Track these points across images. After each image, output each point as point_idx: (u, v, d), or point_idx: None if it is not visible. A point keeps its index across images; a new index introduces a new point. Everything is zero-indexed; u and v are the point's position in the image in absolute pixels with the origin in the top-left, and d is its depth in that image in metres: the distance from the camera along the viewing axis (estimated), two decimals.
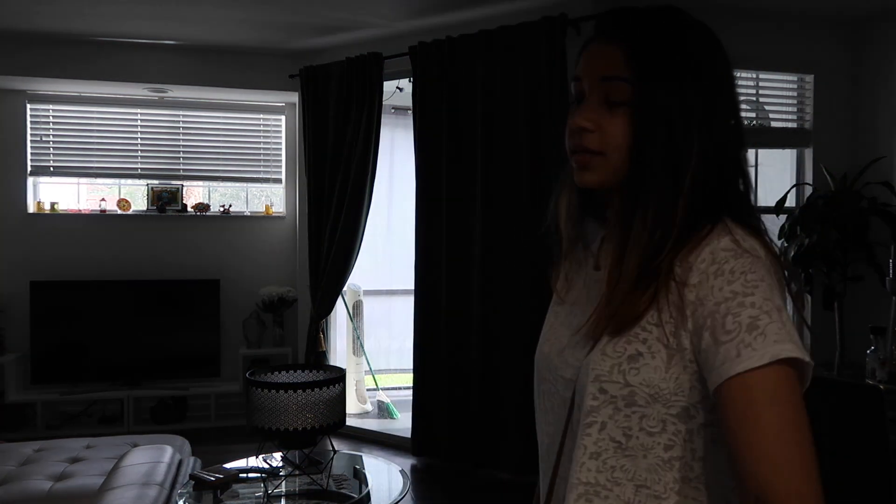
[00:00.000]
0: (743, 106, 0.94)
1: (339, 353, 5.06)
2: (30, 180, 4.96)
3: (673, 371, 0.79)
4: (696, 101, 0.82)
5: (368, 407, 5.07)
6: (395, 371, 5.51)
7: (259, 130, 5.33)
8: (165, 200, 5.12)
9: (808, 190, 4.03)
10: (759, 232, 0.81)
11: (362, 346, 5.12)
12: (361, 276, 5.18)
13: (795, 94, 4.28)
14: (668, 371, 0.79)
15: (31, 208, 4.95)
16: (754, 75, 4.17)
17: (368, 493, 2.67)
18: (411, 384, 4.27)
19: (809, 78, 4.20)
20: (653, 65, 0.83)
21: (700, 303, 0.77)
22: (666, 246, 0.81)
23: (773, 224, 3.97)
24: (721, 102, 0.84)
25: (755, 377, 0.71)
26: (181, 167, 5.19)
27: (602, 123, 0.84)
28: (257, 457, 2.85)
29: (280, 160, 5.32)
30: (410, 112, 4.34)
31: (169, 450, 2.80)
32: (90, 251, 4.96)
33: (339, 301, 4.78)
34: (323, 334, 4.73)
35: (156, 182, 5.15)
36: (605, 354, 0.82)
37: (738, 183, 0.85)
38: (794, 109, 4.29)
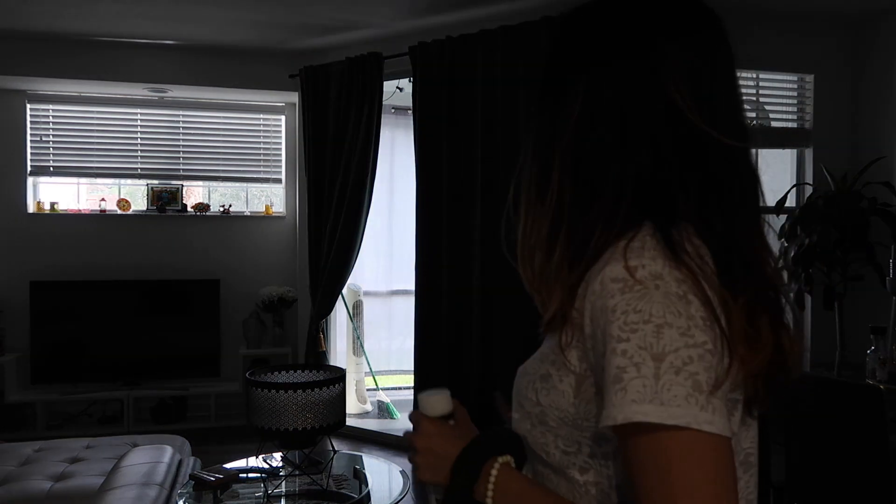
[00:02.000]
0: (745, 105, 0.83)
1: (339, 353, 5.06)
2: (30, 180, 4.96)
3: (582, 397, 0.73)
4: (566, 107, 0.77)
5: (368, 407, 5.07)
6: (396, 372, 5.51)
7: (259, 130, 5.33)
8: (165, 200, 5.12)
9: (808, 190, 4.03)
10: (672, 248, 0.68)
11: (362, 346, 5.12)
12: (362, 276, 5.19)
13: (795, 94, 4.28)
14: (576, 397, 0.73)
15: (31, 208, 4.95)
16: (754, 75, 4.17)
17: (368, 493, 2.67)
18: (411, 384, 4.27)
19: (809, 78, 4.20)
20: (547, 59, 0.83)
21: (594, 339, 0.69)
22: (534, 261, 0.77)
23: (773, 224, 3.96)
24: (632, 92, 0.74)
25: (631, 438, 0.65)
26: (181, 167, 5.19)
27: None
28: (257, 457, 2.85)
29: (280, 160, 5.32)
30: (410, 112, 4.34)
31: (169, 450, 2.80)
32: (90, 251, 4.96)
33: (339, 301, 4.78)
34: (323, 334, 4.73)
35: (156, 182, 5.15)
36: (526, 370, 0.81)
37: (689, 179, 0.72)
38: (794, 109, 4.29)
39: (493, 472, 0.78)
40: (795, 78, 4.25)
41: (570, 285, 0.73)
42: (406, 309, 4.84)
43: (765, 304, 0.71)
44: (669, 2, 0.78)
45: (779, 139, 4.24)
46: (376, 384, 5.21)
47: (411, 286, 4.26)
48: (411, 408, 4.28)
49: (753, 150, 0.79)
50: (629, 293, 0.66)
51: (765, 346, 0.70)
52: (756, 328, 0.70)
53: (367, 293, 5.26)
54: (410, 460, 0.87)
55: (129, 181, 5.16)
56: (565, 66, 0.79)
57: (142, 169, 5.13)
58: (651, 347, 0.64)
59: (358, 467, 2.95)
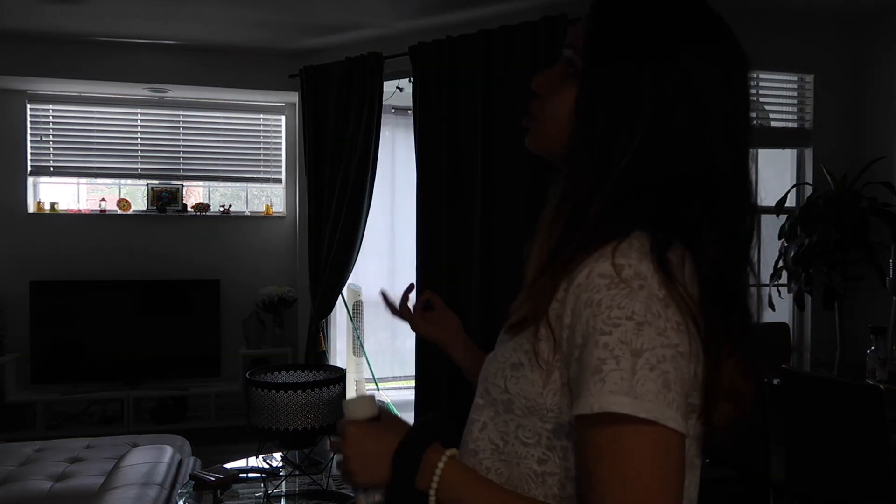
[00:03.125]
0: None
1: (339, 353, 5.06)
2: (30, 180, 4.96)
3: (551, 387, 0.74)
4: (649, 89, 0.73)
5: None
6: (399, 378, 5.48)
7: (259, 130, 5.33)
8: (165, 200, 5.12)
9: (808, 190, 4.03)
10: (660, 255, 0.70)
11: (362, 346, 5.12)
12: (365, 277, 5.18)
13: (795, 94, 4.28)
14: (545, 387, 0.74)
15: (31, 208, 4.95)
16: (754, 75, 4.16)
17: None
18: (413, 383, 4.27)
19: (809, 78, 4.20)
20: (605, 40, 0.77)
21: (572, 330, 0.71)
22: (566, 248, 0.75)
23: (773, 224, 3.97)
24: (683, 100, 0.74)
25: (595, 427, 0.67)
26: (181, 167, 5.19)
27: (551, 90, 0.82)
28: (257, 457, 2.85)
29: (280, 160, 5.32)
30: (410, 112, 4.34)
31: (169, 450, 2.80)
32: (90, 251, 4.96)
33: (340, 301, 4.78)
34: (323, 334, 4.73)
35: (156, 182, 5.15)
36: (496, 357, 0.82)
37: (672, 190, 0.74)
38: (794, 109, 4.29)
39: (440, 464, 0.77)
40: (795, 78, 4.25)
41: (551, 288, 0.74)
42: None
43: (749, 356, 0.75)
44: (700, 17, 0.79)
45: (779, 139, 4.24)
46: (377, 385, 5.22)
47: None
48: (412, 408, 4.28)
49: (752, 151, 0.79)
50: (615, 289, 0.69)
51: (745, 400, 0.75)
52: (743, 384, 0.74)
53: (368, 298, 5.25)
54: (340, 468, 0.85)
55: (129, 181, 5.16)
56: (628, 55, 0.76)
57: (142, 169, 5.13)
58: (631, 343, 0.66)
59: None
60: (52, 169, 5.03)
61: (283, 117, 5.32)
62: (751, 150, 0.79)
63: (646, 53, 0.74)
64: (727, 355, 0.72)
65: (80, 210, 5.08)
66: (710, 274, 0.73)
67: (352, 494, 2.75)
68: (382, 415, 0.88)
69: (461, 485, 0.77)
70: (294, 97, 5.03)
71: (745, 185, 0.77)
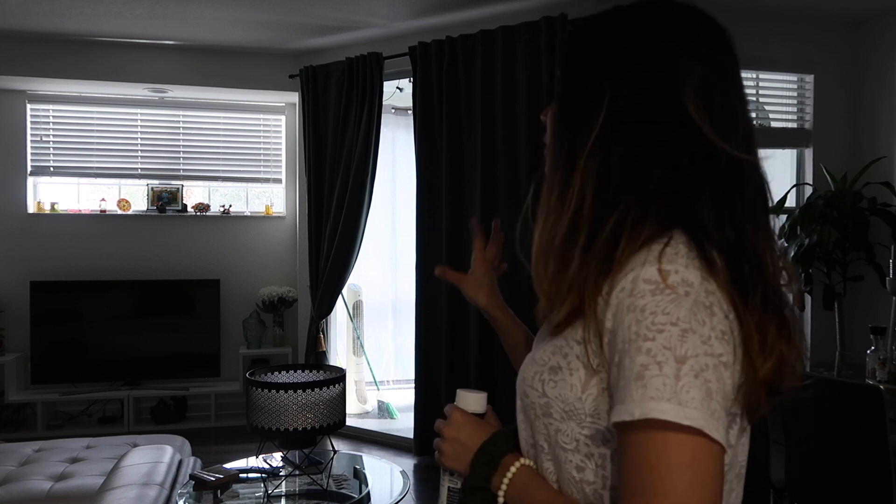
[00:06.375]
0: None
1: (339, 353, 5.06)
2: (30, 180, 4.96)
3: (590, 392, 0.74)
4: (600, 109, 0.76)
5: (368, 407, 5.07)
6: (400, 382, 5.46)
7: (259, 130, 5.33)
8: (165, 200, 5.12)
9: (808, 190, 4.03)
10: (706, 260, 0.71)
11: (362, 346, 5.12)
12: (367, 278, 5.17)
13: (795, 94, 4.28)
14: (584, 391, 0.74)
15: (31, 208, 4.95)
16: (754, 75, 4.17)
17: (368, 494, 2.67)
18: (413, 383, 4.27)
19: (809, 78, 4.20)
20: (566, 65, 0.83)
21: (614, 335, 0.70)
22: (571, 255, 0.76)
23: (773, 224, 3.97)
24: (651, 103, 0.75)
25: (635, 434, 0.66)
26: (181, 167, 5.19)
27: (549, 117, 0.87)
28: (257, 457, 2.85)
29: (280, 160, 5.32)
30: (410, 112, 4.34)
31: (169, 450, 2.80)
32: (90, 251, 4.96)
33: (340, 301, 4.78)
34: (323, 334, 4.73)
35: (156, 182, 5.15)
36: (534, 360, 0.81)
37: (704, 189, 0.74)
38: (794, 109, 4.29)
39: (513, 468, 0.82)
40: (795, 78, 4.25)
41: (594, 292, 0.73)
42: (408, 309, 4.83)
43: (772, 312, 0.73)
44: (683, 14, 0.79)
45: (779, 139, 4.24)
46: (377, 386, 5.21)
47: (412, 291, 4.26)
48: (411, 408, 4.28)
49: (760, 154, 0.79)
50: (660, 295, 0.68)
51: (772, 354, 0.72)
52: (764, 335, 0.72)
53: (369, 301, 5.25)
54: (436, 446, 0.91)
55: (129, 181, 5.16)
56: (587, 74, 0.80)
57: (142, 169, 5.13)
58: (675, 349, 0.65)
59: (358, 467, 2.95)
60: (52, 169, 5.03)
61: (283, 117, 5.32)
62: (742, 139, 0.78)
63: (605, 74, 0.78)
64: (746, 308, 0.71)
65: (80, 210, 5.07)
66: (731, 256, 0.72)
67: (352, 495, 2.75)
68: (488, 415, 0.93)
69: (527, 489, 0.80)
70: (294, 97, 5.03)
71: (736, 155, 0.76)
